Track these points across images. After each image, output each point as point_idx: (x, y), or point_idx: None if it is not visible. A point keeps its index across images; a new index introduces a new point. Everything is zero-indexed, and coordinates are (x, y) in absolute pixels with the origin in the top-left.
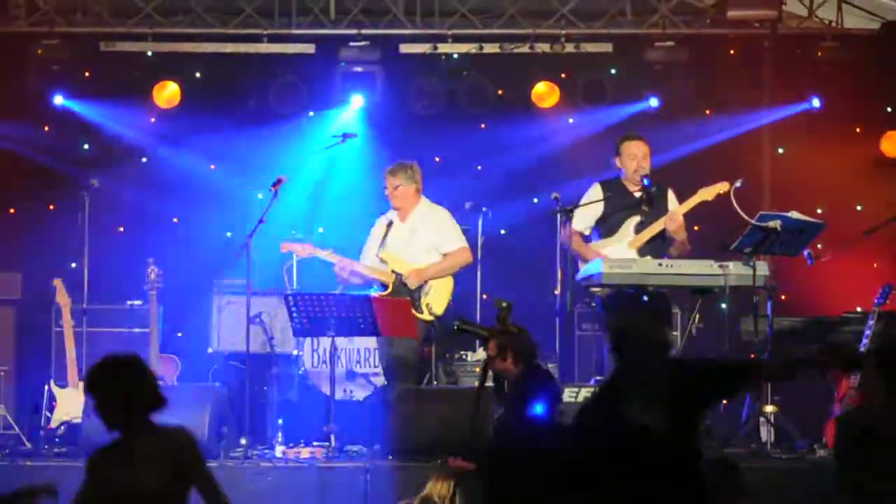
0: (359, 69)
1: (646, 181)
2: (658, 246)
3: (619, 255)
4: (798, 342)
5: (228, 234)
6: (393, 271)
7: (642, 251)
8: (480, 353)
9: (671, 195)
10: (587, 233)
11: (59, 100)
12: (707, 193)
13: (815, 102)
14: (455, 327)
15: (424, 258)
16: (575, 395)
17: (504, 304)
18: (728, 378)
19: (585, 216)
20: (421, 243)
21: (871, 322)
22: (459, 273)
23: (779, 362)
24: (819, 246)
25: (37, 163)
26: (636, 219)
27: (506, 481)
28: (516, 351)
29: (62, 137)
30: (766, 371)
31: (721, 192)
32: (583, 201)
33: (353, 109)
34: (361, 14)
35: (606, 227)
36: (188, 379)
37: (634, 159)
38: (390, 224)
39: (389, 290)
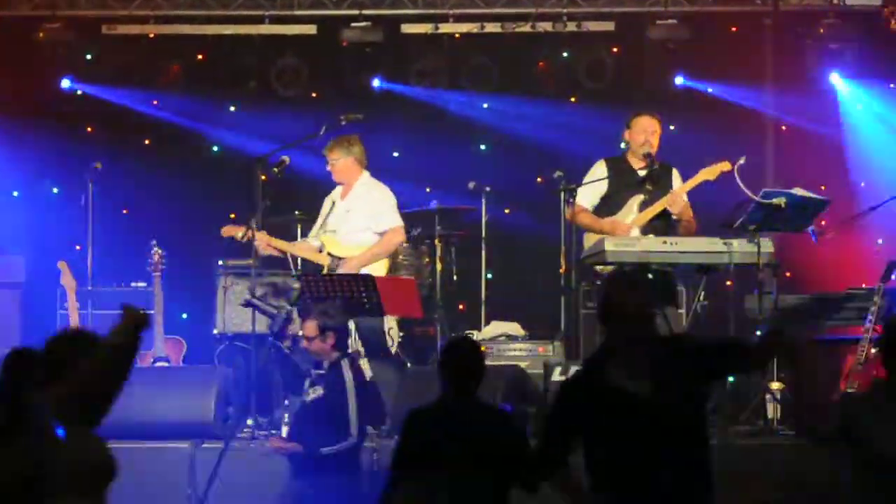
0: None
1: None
2: (662, 225)
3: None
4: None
5: (232, 215)
6: (329, 254)
7: (645, 230)
8: (486, 332)
9: (676, 174)
10: (590, 210)
11: (65, 83)
12: (709, 173)
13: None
14: (243, 302)
15: (358, 238)
16: None
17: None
18: (726, 355)
19: (590, 193)
20: (355, 223)
21: (875, 298)
22: (463, 251)
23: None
24: (823, 223)
25: (40, 145)
26: (640, 197)
27: None
28: (337, 333)
29: (65, 120)
30: (756, 351)
31: (723, 171)
32: (587, 178)
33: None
34: None
35: (610, 204)
36: (193, 361)
37: (644, 133)
38: (333, 203)
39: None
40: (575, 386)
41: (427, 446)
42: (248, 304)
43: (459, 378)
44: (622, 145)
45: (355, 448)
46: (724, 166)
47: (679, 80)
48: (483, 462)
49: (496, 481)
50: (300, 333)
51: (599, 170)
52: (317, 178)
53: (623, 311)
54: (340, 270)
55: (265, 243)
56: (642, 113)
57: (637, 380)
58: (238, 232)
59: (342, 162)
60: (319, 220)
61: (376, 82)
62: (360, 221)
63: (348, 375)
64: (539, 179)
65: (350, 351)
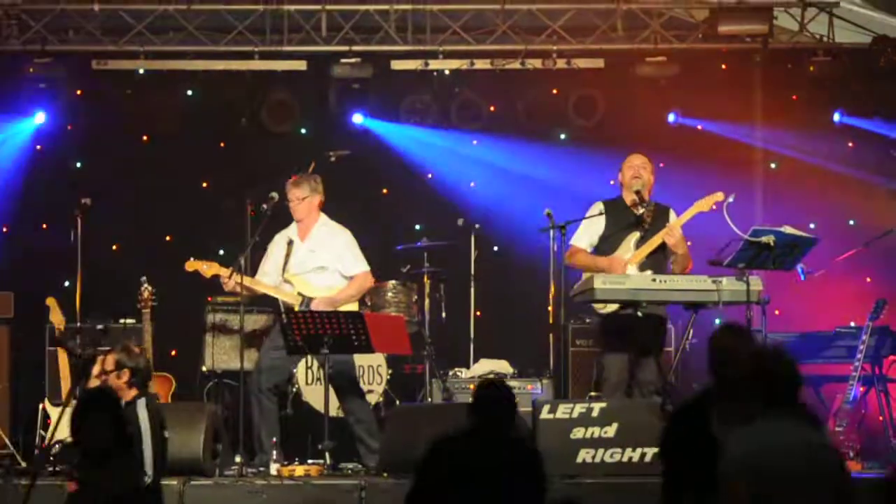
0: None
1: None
2: (660, 261)
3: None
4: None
5: (221, 252)
6: (299, 293)
7: (643, 266)
8: (475, 369)
9: (672, 214)
10: (589, 251)
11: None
12: (703, 204)
13: (837, 117)
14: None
15: (328, 280)
16: (569, 411)
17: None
18: None
19: (589, 233)
20: (320, 264)
21: (863, 337)
22: (452, 288)
23: None
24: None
25: (29, 181)
26: (636, 235)
27: None
28: (133, 371)
29: (55, 154)
30: None
31: (717, 201)
32: (586, 216)
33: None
34: (353, 31)
35: (607, 245)
36: (183, 398)
37: (632, 168)
38: (291, 243)
39: None
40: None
41: (452, 478)
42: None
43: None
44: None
45: (155, 489)
46: (718, 196)
47: (671, 118)
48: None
49: None
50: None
51: (596, 210)
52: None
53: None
54: (313, 308)
55: (234, 282)
56: (632, 153)
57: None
58: (202, 266)
59: (309, 199)
60: (275, 259)
61: (358, 118)
62: (326, 263)
63: (143, 414)
64: (527, 216)
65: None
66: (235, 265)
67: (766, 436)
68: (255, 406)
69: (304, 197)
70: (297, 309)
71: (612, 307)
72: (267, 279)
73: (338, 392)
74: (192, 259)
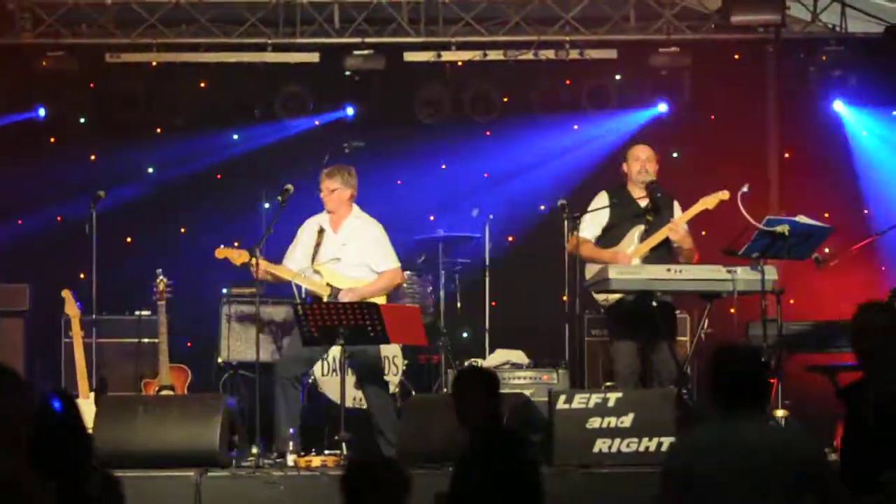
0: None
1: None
2: (663, 255)
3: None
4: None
5: (236, 244)
6: (328, 284)
7: (647, 260)
8: (491, 360)
9: (677, 206)
10: (593, 241)
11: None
12: (708, 202)
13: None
14: None
15: (355, 273)
16: (585, 401)
17: None
18: None
19: (593, 224)
20: (352, 257)
21: None
22: (467, 279)
23: None
24: (827, 250)
25: (44, 173)
26: (640, 228)
27: None
28: None
29: (69, 148)
30: None
31: (722, 199)
32: (590, 209)
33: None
34: (365, 22)
35: (611, 236)
36: (198, 389)
37: (638, 161)
38: (322, 231)
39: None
40: None
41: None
42: None
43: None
44: (623, 173)
45: None
46: (724, 195)
47: (662, 108)
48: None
49: None
50: None
51: (601, 200)
52: (318, 207)
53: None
54: (341, 299)
55: (263, 270)
56: (634, 142)
57: None
58: (233, 254)
59: (340, 192)
60: (304, 246)
61: (349, 111)
62: (357, 257)
63: None
64: (542, 207)
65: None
66: (261, 252)
67: (703, 434)
68: (279, 393)
69: (333, 189)
70: (325, 300)
71: (616, 296)
72: (294, 265)
73: (360, 382)
74: (221, 246)
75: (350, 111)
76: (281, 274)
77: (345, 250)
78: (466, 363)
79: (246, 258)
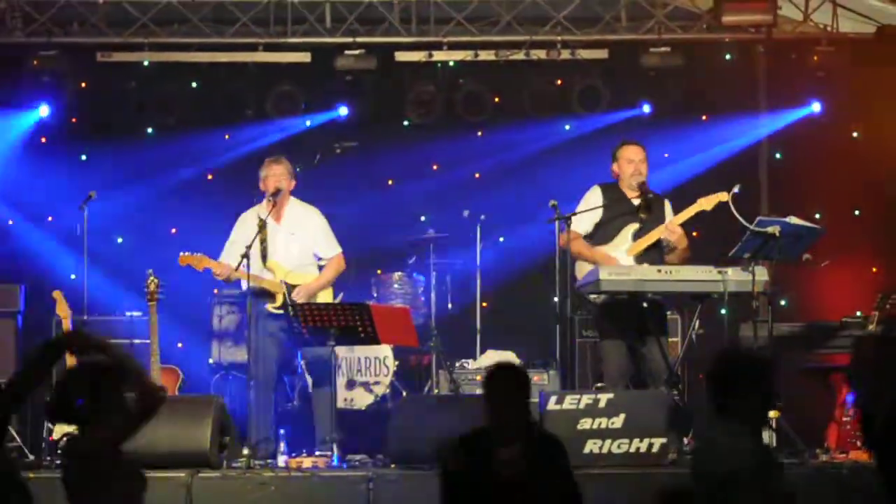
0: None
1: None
2: (655, 254)
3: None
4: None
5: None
6: (282, 282)
7: (640, 259)
8: (482, 361)
9: (667, 206)
10: (583, 235)
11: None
12: (706, 203)
13: (816, 107)
14: None
15: (303, 263)
16: (576, 402)
17: None
18: None
19: (585, 219)
20: (299, 248)
21: (870, 327)
22: (458, 279)
23: None
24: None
25: (35, 173)
26: (634, 226)
27: None
28: None
29: (59, 148)
30: None
31: (720, 200)
32: (582, 204)
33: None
34: (357, 22)
35: (603, 233)
36: (189, 390)
37: (631, 163)
38: (264, 225)
39: (279, 302)
40: None
41: None
42: None
43: None
44: (614, 174)
45: None
46: (722, 196)
47: (646, 109)
48: None
49: None
50: None
51: (594, 196)
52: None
53: None
54: (298, 297)
55: (226, 272)
56: (626, 142)
57: None
58: (193, 260)
59: (288, 179)
60: (242, 238)
61: (342, 111)
62: (304, 246)
63: None
64: (533, 207)
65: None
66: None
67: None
68: (250, 397)
69: (282, 174)
70: (279, 298)
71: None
72: (233, 262)
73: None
74: (183, 254)
75: (343, 111)
76: (240, 277)
77: (293, 239)
78: (457, 364)
79: (207, 263)
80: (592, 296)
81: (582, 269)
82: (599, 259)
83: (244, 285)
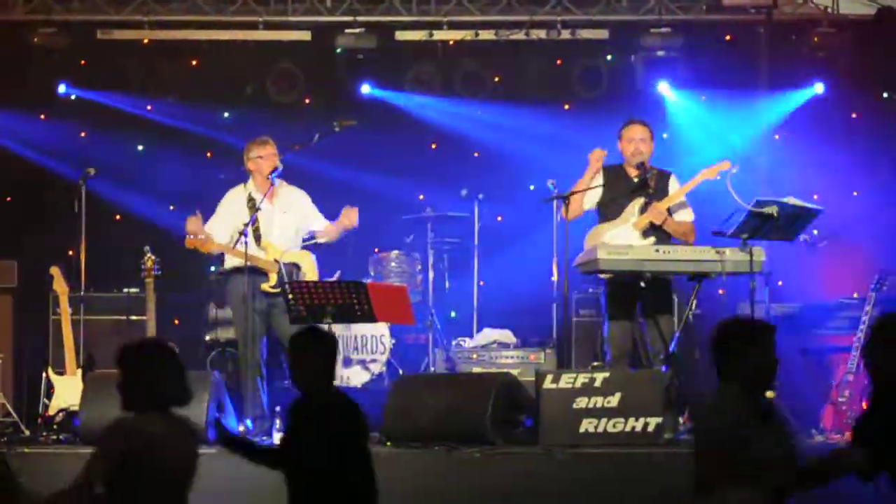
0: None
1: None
2: (663, 232)
3: (624, 238)
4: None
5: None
6: (276, 261)
7: (647, 233)
8: (478, 339)
9: (673, 180)
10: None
11: (62, 88)
12: (709, 172)
13: (819, 88)
14: None
15: (293, 240)
16: (572, 381)
17: None
18: None
19: (585, 199)
20: (291, 226)
21: (866, 308)
22: (456, 258)
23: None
24: (815, 232)
25: (33, 150)
26: (641, 201)
27: None
28: None
29: (60, 125)
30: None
31: (723, 169)
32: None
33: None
34: (357, 1)
35: (609, 210)
36: (186, 367)
37: (632, 142)
38: (254, 205)
39: (273, 280)
40: None
41: None
42: None
43: None
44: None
45: None
46: (724, 165)
47: (663, 87)
48: None
49: None
50: None
51: (597, 177)
52: (309, 184)
53: None
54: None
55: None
56: (630, 121)
57: None
58: (198, 243)
59: (276, 158)
60: (232, 216)
61: (366, 88)
62: (295, 223)
63: None
64: (532, 187)
65: None
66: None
67: None
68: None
69: (273, 154)
70: (273, 276)
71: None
72: (218, 240)
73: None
74: (189, 237)
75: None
76: (237, 256)
77: (284, 219)
78: (454, 342)
79: (212, 246)
80: (599, 275)
81: (589, 241)
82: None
83: (228, 262)
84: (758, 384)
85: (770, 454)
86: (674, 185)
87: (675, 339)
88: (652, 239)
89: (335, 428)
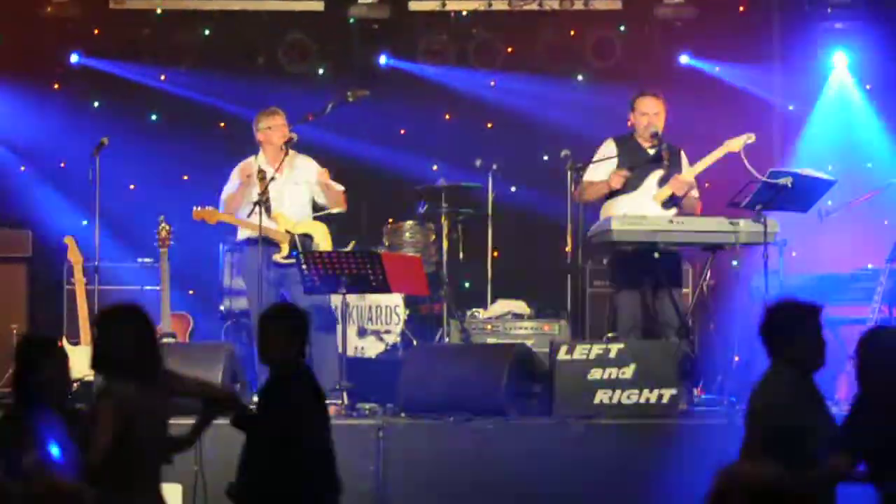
0: None
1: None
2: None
3: (643, 209)
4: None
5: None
6: (287, 232)
7: (666, 205)
8: (493, 310)
9: (684, 157)
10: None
11: (74, 58)
12: (734, 144)
13: (837, 59)
14: None
15: (305, 211)
16: (587, 352)
17: None
18: None
19: (598, 170)
20: (304, 196)
21: (881, 279)
22: (470, 228)
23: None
24: (829, 202)
25: (46, 120)
26: (659, 173)
27: None
28: None
29: (73, 95)
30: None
31: (748, 142)
32: (596, 156)
33: None
34: None
35: (628, 182)
36: (200, 337)
37: (645, 115)
38: (264, 177)
39: (285, 251)
40: None
41: None
42: None
43: None
44: (629, 124)
45: None
46: (749, 138)
47: (685, 59)
48: None
49: None
50: None
51: (607, 148)
52: (321, 154)
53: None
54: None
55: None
56: (643, 94)
57: None
58: (206, 214)
59: (286, 129)
60: (242, 187)
61: (383, 59)
62: (308, 194)
63: None
64: (545, 157)
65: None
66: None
67: None
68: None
69: (282, 124)
70: (286, 249)
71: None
72: (241, 213)
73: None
74: (196, 208)
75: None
76: (249, 227)
77: (297, 190)
78: (468, 313)
79: (219, 217)
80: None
81: (605, 212)
82: (612, 183)
83: (241, 233)
84: (811, 363)
85: (818, 433)
86: (684, 160)
87: (689, 310)
88: (674, 210)
89: (293, 399)
